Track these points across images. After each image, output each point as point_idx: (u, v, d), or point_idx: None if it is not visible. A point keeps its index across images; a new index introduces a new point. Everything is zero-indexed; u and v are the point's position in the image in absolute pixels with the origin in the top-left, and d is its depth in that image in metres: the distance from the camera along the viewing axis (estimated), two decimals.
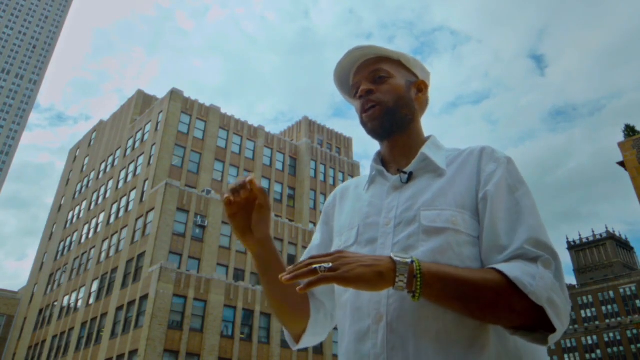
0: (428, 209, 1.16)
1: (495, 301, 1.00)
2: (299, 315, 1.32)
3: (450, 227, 1.12)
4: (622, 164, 21.51)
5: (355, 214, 1.29)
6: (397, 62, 1.35)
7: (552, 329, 1.00)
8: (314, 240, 1.44)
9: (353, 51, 1.34)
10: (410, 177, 1.24)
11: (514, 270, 1.02)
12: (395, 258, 1.01)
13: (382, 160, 1.37)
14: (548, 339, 1.01)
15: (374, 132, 1.32)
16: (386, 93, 1.30)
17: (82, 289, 36.38)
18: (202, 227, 32.75)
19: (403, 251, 1.12)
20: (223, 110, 40.35)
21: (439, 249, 1.10)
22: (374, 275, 0.98)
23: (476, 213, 1.15)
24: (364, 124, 1.33)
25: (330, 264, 0.99)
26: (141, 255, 31.11)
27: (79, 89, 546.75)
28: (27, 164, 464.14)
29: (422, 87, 1.37)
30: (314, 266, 0.99)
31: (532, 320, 1.01)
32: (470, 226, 1.13)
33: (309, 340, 1.35)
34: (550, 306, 0.99)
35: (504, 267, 1.03)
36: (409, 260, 1.00)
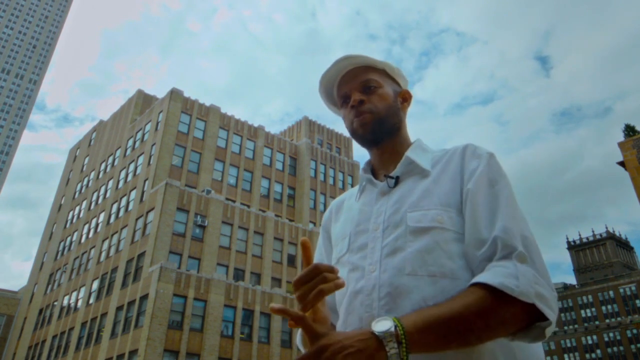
0: (414, 210, 1.17)
1: (484, 323, 0.98)
2: None
3: (436, 225, 1.14)
4: (622, 164, 21.47)
5: (347, 223, 1.32)
6: (382, 71, 1.38)
7: (545, 319, 1.00)
8: (318, 256, 1.44)
9: (341, 60, 1.34)
10: (397, 181, 1.27)
11: (495, 277, 1.01)
12: (378, 333, 0.94)
13: (372, 169, 1.39)
14: (545, 333, 1.01)
15: (364, 139, 1.34)
16: (377, 102, 1.32)
17: (82, 289, 36.40)
18: (202, 227, 32.76)
19: (392, 254, 1.14)
20: (228, 111, 40.48)
21: (426, 247, 1.12)
22: None
23: (461, 210, 1.17)
24: (354, 131, 1.34)
25: None
26: (141, 255, 31.12)
27: (86, 91, 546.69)
28: (36, 164, 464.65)
29: (406, 97, 1.41)
30: None
31: (524, 322, 1.01)
32: (457, 223, 1.15)
33: None
34: (539, 300, 0.99)
35: (485, 278, 1.02)
36: (392, 330, 0.95)
